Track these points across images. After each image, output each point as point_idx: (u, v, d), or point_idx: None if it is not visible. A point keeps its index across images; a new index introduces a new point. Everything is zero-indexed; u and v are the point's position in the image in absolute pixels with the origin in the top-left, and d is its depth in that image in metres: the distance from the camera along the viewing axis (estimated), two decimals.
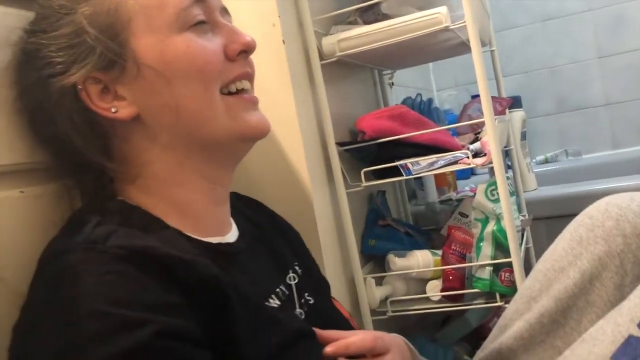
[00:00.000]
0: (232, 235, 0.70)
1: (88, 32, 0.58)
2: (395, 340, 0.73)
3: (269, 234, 0.79)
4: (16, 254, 0.62)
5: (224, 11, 0.69)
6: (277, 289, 0.70)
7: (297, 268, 0.77)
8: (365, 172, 1.08)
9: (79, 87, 0.59)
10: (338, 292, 1.03)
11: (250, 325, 0.57)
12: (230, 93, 0.65)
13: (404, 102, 1.39)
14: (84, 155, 0.62)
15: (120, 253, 0.51)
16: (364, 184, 1.08)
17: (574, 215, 0.80)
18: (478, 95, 1.01)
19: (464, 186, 1.78)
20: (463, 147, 1.11)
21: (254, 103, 0.68)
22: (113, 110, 0.61)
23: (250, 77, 0.68)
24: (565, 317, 0.72)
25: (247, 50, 0.66)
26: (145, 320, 0.48)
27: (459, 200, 1.44)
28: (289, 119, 0.99)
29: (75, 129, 0.60)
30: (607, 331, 0.61)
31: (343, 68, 1.22)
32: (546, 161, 2.22)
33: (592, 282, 0.71)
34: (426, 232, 1.37)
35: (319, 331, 0.68)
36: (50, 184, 0.68)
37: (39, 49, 0.60)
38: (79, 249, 0.52)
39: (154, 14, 0.60)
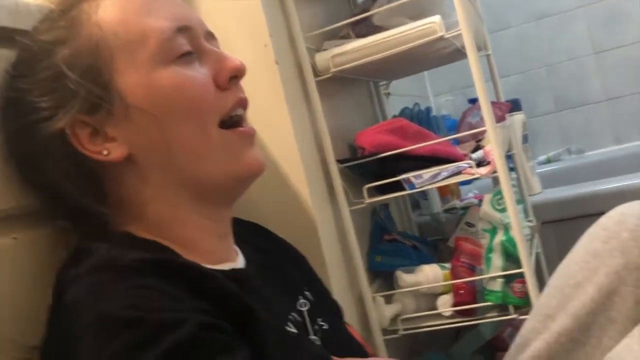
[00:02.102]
0: (239, 263, 0.68)
1: (68, 76, 0.56)
2: None
3: (276, 259, 0.77)
4: (12, 303, 0.60)
5: (209, 35, 0.66)
6: (290, 316, 0.68)
7: (307, 294, 0.74)
8: (367, 188, 1.05)
9: (67, 132, 0.57)
10: (346, 312, 1.01)
11: (278, 349, 0.56)
12: (227, 126, 0.63)
13: (402, 112, 1.37)
14: (77, 201, 0.59)
15: (143, 266, 0.51)
16: (367, 200, 1.05)
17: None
18: (476, 99, 0.99)
19: (467, 192, 1.75)
20: (465, 156, 1.09)
21: (251, 136, 0.66)
22: (105, 152, 0.58)
23: (245, 103, 0.66)
24: (586, 336, 0.69)
25: (238, 75, 0.64)
26: (183, 318, 0.48)
27: (464, 209, 1.41)
28: (286, 139, 0.97)
29: (65, 176, 0.58)
30: (634, 349, 0.59)
31: (338, 83, 1.20)
32: (549, 161, 2.19)
33: (611, 298, 0.68)
34: (432, 243, 1.34)
35: (337, 359, 0.65)
36: (44, 228, 0.65)
37: (22, 95, 0.58)
38: (99, 268, 0.52)
39: (137, 48, 0.58)
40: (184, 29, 0.61)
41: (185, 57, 0.60)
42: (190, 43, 0.61)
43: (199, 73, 0.61)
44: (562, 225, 1.43)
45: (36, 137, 0.57)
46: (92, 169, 0.59)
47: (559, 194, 1.55)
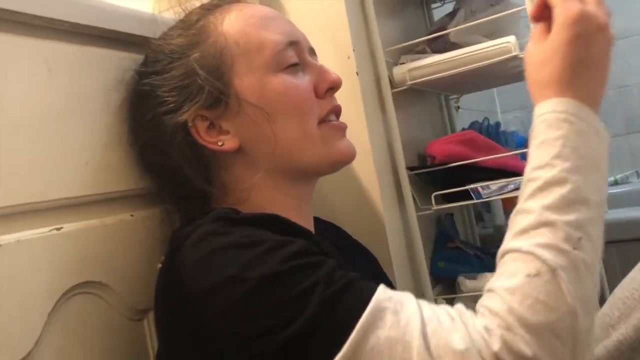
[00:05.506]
0: None
1: (198, 74, 0.66)
2: None
3: (350, 256, 0.83)
4: (128, 270, 0.70)
5: (312, 51, 0.76)
6: None
7: None
8: (435, 196, 1.11)
9: (189, 124, 0.67)
10: None
11: None
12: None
13: (472, 126, 1.42)
14: (191, 184, 0.68)
15: (253, 220, 0.59)
16: (435, 207, 1.11)
17: None
18: None
19: None
20: None
21: (343, 129, 0.74)
22: (220, 143, 0.68)
23: (338, 110, 0.74)
24: None
25: (335, 87, 0.73)
26: (292, 239, 0.56)
27: None
28: (362, 145, 1.03)
29: (186, 161, 0.68)
30: None
31: (411, 94, 1.26)
32: (616, 183, 2.17)
33: None
34: (494, 254, 1.37)
35: None
36: (155, 207, 0.75)
37: (153, 90, 0.68)
38: (214, 221, 0.59)
39: (254, 56, 0.68)
40: (293, 44, 0.70)
41: (292, 67, 0.69)
42: (297, 56, 0.71)
43: (302, 81, 0.70)
44: (625, 246, 1.44)
45: (163, 127, 0.67)
46: (206, 156, 0.69)
47: (623, 214, 1.55)
